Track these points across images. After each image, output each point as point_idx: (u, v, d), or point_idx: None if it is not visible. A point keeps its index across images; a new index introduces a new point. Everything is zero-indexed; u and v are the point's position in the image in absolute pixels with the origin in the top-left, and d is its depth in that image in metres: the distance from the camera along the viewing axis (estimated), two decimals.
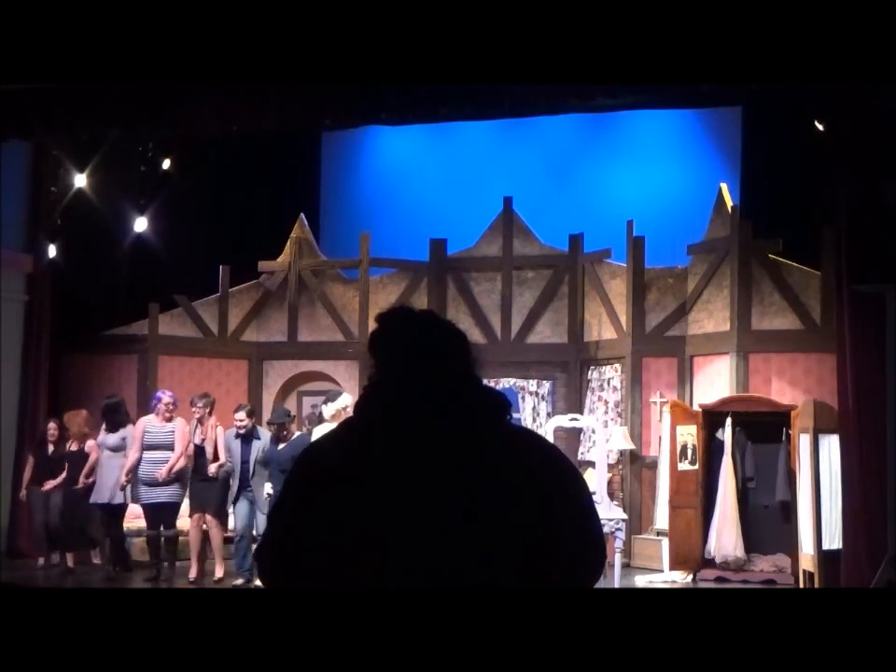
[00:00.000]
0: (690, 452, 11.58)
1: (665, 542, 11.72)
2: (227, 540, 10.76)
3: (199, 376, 13.82)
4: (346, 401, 8.78)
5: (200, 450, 10.66)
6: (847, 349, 9.96)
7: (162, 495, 10.66)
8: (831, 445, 10.37)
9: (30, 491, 11.45)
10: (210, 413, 10.80)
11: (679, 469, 11.62)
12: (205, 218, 14.91)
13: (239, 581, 10.31)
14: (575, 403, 13.48)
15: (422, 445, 2.27)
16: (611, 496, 11.50)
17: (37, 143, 12.60)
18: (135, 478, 10.77)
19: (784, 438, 11.21)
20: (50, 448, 11.46)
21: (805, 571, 10.53)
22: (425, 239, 14.21)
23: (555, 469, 2.36)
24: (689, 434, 11.59)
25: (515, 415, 9.20)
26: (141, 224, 13.01)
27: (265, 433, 10.69)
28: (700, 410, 11.72)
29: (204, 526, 10.75)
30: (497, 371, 13.23)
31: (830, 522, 10.30)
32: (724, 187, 12.72)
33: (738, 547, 11.20)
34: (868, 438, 9.81)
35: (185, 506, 10.99)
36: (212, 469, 10.49)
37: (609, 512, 10.17)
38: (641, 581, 11.42)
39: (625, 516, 10.80)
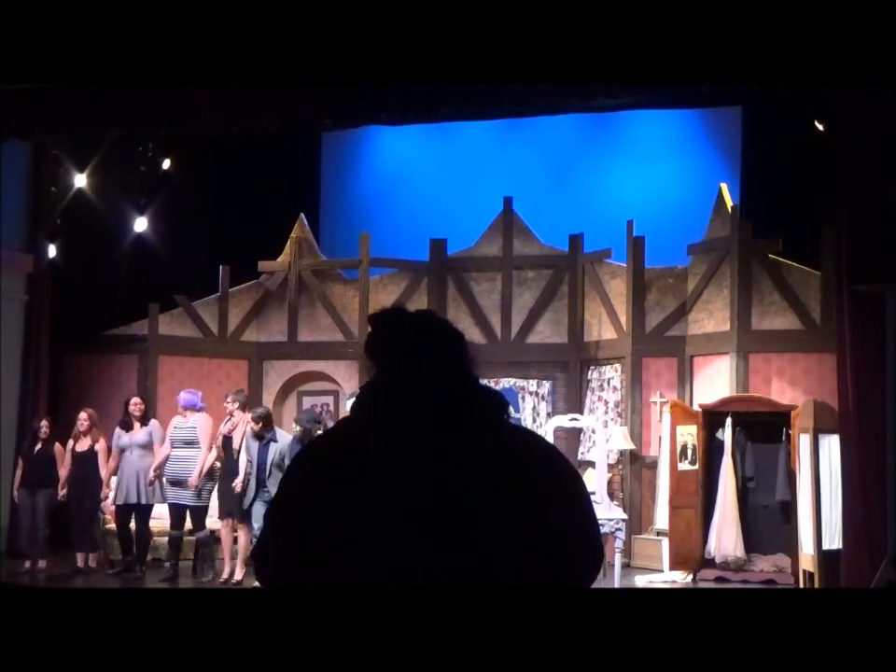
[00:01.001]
0: (690, 452, 11.58)
1: (665, 542, 11.72)
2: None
3: (199, 376, 13.82)
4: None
5: (227, 441, 10.66)
6: (846, 349, 9.96)
7: (187, 497, 10.69)
8: (831, 445, 10.37)
9: (19, 493, 11.35)
10: (244, 409, 10.84)
11: (679, 469, 11.62)
12: (205, 218, 14.90)
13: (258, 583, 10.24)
14: (575, 403, 13.47)
15: (419, 445, 2.27)
16: (611, 496, 11.50)
17: (37, 143, 12.60)
18: (161, 475, 10.81)
19: (784, 438, 11.21)
20: (38, 447, 11.25)
21: (805, 571, 10.53)
22: (425, 239, 14.21)
23: (553, 469, 2.35)
24: (689, 434, 11.59)
25: (515, 415, 9.18)
26: (141, 224, 13.01)
27: (283, 435, 10.69)
28: (700, 410, 11.72)
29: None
30: (497, 370, 13.22)
31: (830, 522, 10.30)
32: (724, 187, 12.72)
33: (738, 547, 11.20)
34: (868, 438, 9.81)
35: (213, 506, 11.02)
36: (237, 486, 10.46)
37: (609, 512, 10.17)
38: (641, 580, 11.42)
39: (625, 516, 10.80)
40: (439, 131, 14.41)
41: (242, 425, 10.73)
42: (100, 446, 11.17)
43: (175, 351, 13.77)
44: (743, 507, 11.38)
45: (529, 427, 12.63)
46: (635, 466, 12.88)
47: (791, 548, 11.02)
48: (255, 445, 10.47)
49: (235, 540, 10.62)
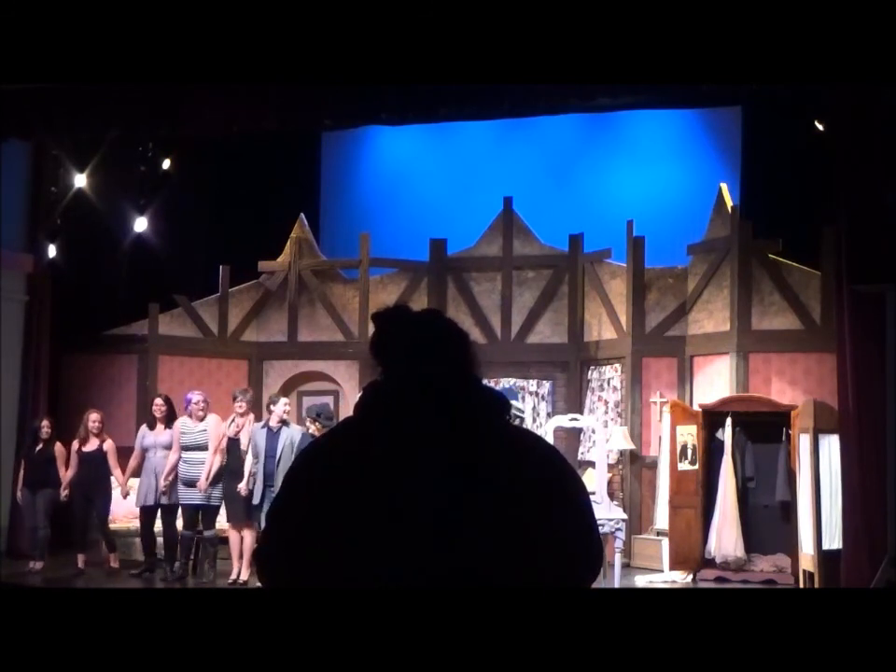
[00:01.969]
0: (690, 452, 11.58)
1: (665, 542, 11.72)
2: None
3: (199, 376, 13.82)
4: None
5: (233, 443, 10.65)
6: (847, 349, 9.96)
7: (199, 497, 10.70)
8: (831, 445, 10.37)
9: (21, 493, 11.35)
10: (251, 409, 10.86)
11: (679, 469, 11.62)
12: (205, 218, 14.91)
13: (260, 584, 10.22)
14: (575, 403, 13.47)
15: (421, 445, 2.27)
16: (611, 496, 11.50)
17: (37, 143, 12.60)
18: (175, 477, 10.81)
19: (784, 438, 11.21)
20: (38, 447, 11.23)
21: (805, 571, 10.53)
22: (425, 239, 14.21)
23: (553, 470, 2.36)
24: (689, 434, 11.59)
25: (518, 408, 9.08)
26: (141, 224, 13.00)
27: (294, 426, 10.70)
28: (700, 410, 11.72)
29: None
30: (497, 370, 13.22)
31: (830, 522, 10.30)
32: (724, 187, 12.72)
33: (738, 547, 11.20)
34: (868, 438, 9.81)
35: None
36: (242, 490, 10.45)
37: (609, 512, 10.16)
38: (641, 580, 11.42)
39: (625, 516, 10.79)
40: (439, 131, 14.41)
41: (248, 425, 10.74)
42: (108, 446, 11.16)
43: (175, 351, 13.77)
44: (743, 507, 11.37)
45: (529, 427, 12.64)
46: (635, 466, 12.88)
47: (791, 548, 11.02)
48: (262, 435, 10.45)
49: (242, 541, 10.63)
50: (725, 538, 11.19)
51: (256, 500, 10.35)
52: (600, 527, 9.05)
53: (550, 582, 2.28)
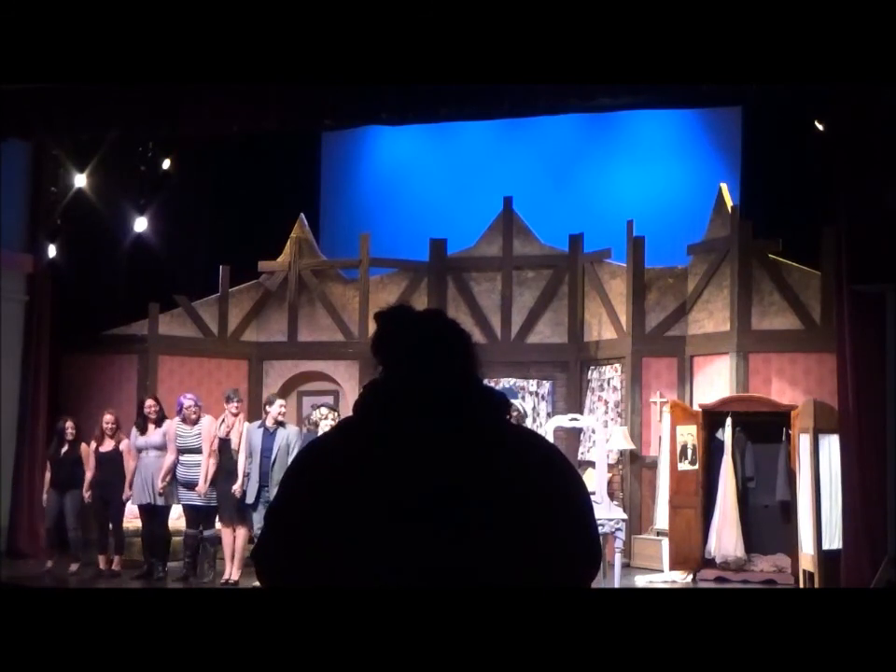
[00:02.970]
0: (690, 452, 11.58)
1: (665, 542, 11.72)
2: (251, 541, 10.64)
3: (199, 376, 13.82)
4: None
5: (224, 444, 10.66)
6: (846, 349, 9.96)
7: (198, 497, 10.70)
8: (831, 445, 10.37)
9: (48, 495, 11.34)
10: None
11: (679, 469, 11.62)
12: (205, 218, 14.91)
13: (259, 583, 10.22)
14: (575, 403, 13.47)
15: (420, 444, 2.27)
16: (611, 496, 11.50)
17: (37, 143, 12.61)
18: (173, 479, 10.81)
19: (784, 438, 11.21)
20: (64, 448, 11.23)
21: (805, 571, 10.53)
22: (425, 239, 14.21)
23: (554, 470, 2.35)
24: (689, 434, 11.59)
25: (519, 405, 9.04)
26: (141, 224, 13.00)
27: (291, 427, 10.73)
28: (700, 410, 11.72)
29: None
30: (497, 370, 13.22)
31: (830, 522, 10.30)
32: (724, 187, 12.72)
33: (738, 547, 11.20)
34: (868, 438, 9.81)
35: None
36: (236, 491, 10.47)
37: (609, 512, 10.16)
38: (641, 580, 11.42)
39: (625, 516, 10.79)
40: (439, 131, 14.41)
41: (239, 425, 10.74)
42: (124, 446, 11.17)
43: (175, 351, 13.77)
44: (743, 507, 11.37)
45: (529, 427, 12.63)
46: (635, 466, 12.88)
47: (791, 548, 11.02)
48: (258, 434, 10.46)
49: (234, 541, 10.64)
50: (725, 538, 11.19)
51: (250, 500, 10.35)
52: (600, 527, 9.06)
53: (550, 582, 2.28)
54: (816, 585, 10.16)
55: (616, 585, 10.02)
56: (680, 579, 11.41)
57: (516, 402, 11.66)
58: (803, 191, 11.95)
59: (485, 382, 2.45)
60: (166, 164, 13.02)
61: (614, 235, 13.09)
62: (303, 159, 15.39)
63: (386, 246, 14.23)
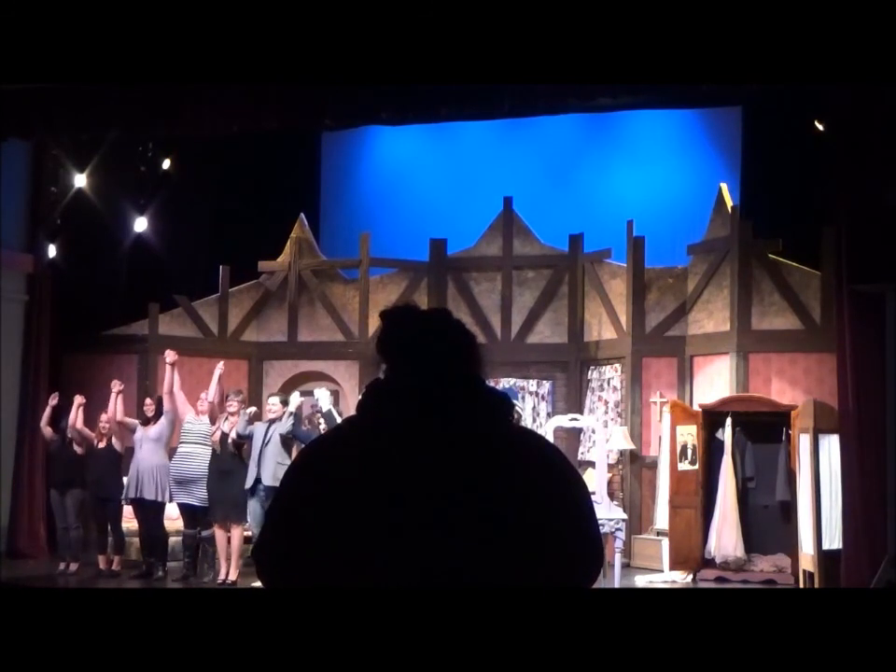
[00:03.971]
0: (690, 452, 11.58)
1: (665, 542, 11.72)
2: (247, 540, 10.61)
3: (199, 376, 13.79)
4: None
5: (224, 440, 10.68)
6: (846, 349, 9.96)
7: (195, 497, 10.70)
8: (831, 445, 10.37)
9: (51, 494, 11.32)
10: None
11: (679, 469, 11.62)
12: (205, 218, 14.91)
13: (257, 584, 10.22)
14: (575, 403, 13.48)
15: (422, 444, 2.27)
16: (611, 496, 11.50)
17: (37, 143, 12.61)
18: (167, 476, 10.82)
19: (784, 438, 11.21)
20: (77, 449, 11.21)
21: (805, 571, 10.53)
22: (425, 239, 14.21)
23: (556, 470, 2.36)
24: (689, 434, 11.59)
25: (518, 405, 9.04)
26: (141, 224, 13.01)
27: (286, 422, 10.77)
28: (700, 410, 11.72)
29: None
30: (497, 371, 13.21)
31: (830, 522, 10.30)
32: (724, 187, 12.72)
33: (738, 547, 11.20)
34: (868, 438, 9.82)
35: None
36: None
37: (609, 512, 10.17)
38: (641, 580, 11.42)
39: (625, 516, 10.80)
40: (439, 131, 14.41)
41: (234, 423, 10.77)
42: (119, 446, 11.16)
43: (175, 351, 13.73)
44: (743, 507, 11.37)
45: (529, 427, 12.63)
46: (635, 466, 12.88)
47: (791, 548, 11.02)
48: (260, 430, 10.50)
49: (229, 541, 10.63)
50: (725, 538, 11.19)
51: (249, 484, 10.37)
52: (600, 527, 9.05)
53: (551, 582, 2.28)
54: (816, 585, 10.16)
55: (616, 585, 10.03)
56: (680, 579, 11.41)
57: (516, 403, 11.69)
58: (803, 191, 11.95)
59: (487, 382, 2.45)
60: (166, 164, 13.04)
61: (614, 235, 13.09)
62: (303, 159, 15.39)
63: (386, 246, 14.23)
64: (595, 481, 10.40)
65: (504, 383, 13.38)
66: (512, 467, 2.29)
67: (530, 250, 14.00)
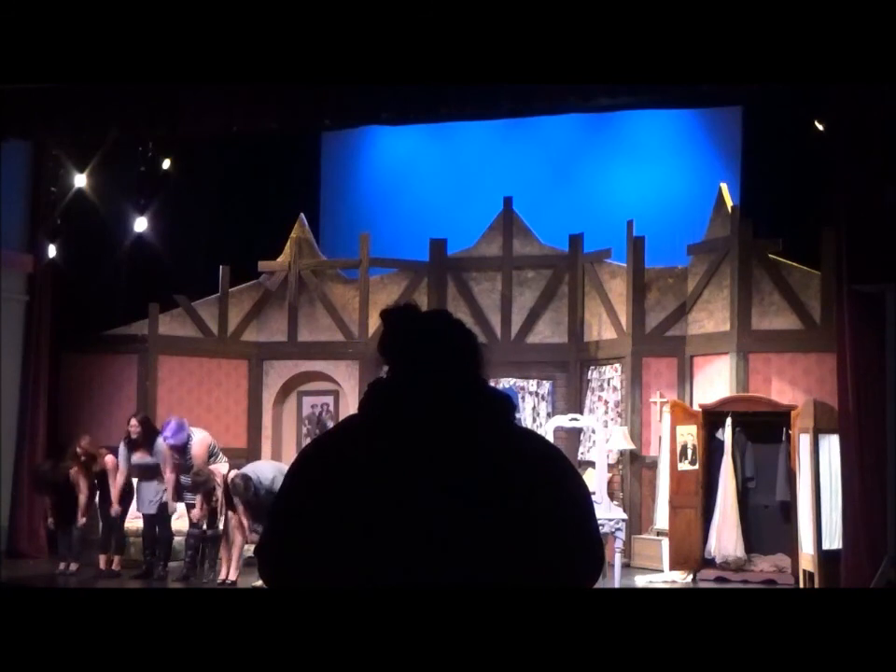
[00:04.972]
0: (690, 452, 11.58)
1: (665, 542, 11.71)
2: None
3: (199, 376, 13.82)
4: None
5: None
6: (846, 349, 9.96)
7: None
8: (831, 445, 10.37)
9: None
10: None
11: (679, 469, 11.62)
12: (205, 218, 14.90)
13: (259, 583, 10.27)
14: (575, 403, 13.47)
15: (423, 444, 2.27)
16: (611, 496, 11.50)
17: (37, 143, 12.61)
18: (178, 485, 10.89)
19: (784, 438, 11.21)
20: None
21: (805, 571, 10.53)
22: (425, 239, 14.21)
23: (556, 471, 2.36)
24: (689, 434, 11.59)
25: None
26: (141, 224, 13.00)
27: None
28: (700, 410, 11.72)
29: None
30: (497, 371, 13.21)
31: (830, 522, 10.30)
32: (724, 187, 12.72)
33: (738, 547, 11.20)
34: (868, 438, 9.81)
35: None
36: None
37: (609, 512, 10.17)
38: (641, 580, 11.42)
39: (625, 516, 10.80)
40: (439, 131, 14.41)
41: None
42: (108, 463, 11.13)
43: (175, 351, 13.76)
44: (743, 507, 11.37)
45: (529, 427, 12.63)
46: (635, 466, 12.88)
47: (791, 548, 11.02)
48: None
49: (229, 541, 10.66)
50: (725, 538, 11.19)
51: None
52: (600, 527, 9.05)
53: (552, 583, 2.28)
54: (816, 585, 10.16)
55: (616, 585, 10.03)
56: (680, 579, 11.41)
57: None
58: (803, 191, 11.95)
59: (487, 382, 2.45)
60: (166, 164, 13.02)
61: (614, 235, 13.08)
62: (303, 159, 15.39)
63: (386, 246, 14.22)
64: (595, 481, 10.40)
65: (504, 383, 13.38)
66: (513, 467, 2.29)
67: (530, 250, 14.00)
